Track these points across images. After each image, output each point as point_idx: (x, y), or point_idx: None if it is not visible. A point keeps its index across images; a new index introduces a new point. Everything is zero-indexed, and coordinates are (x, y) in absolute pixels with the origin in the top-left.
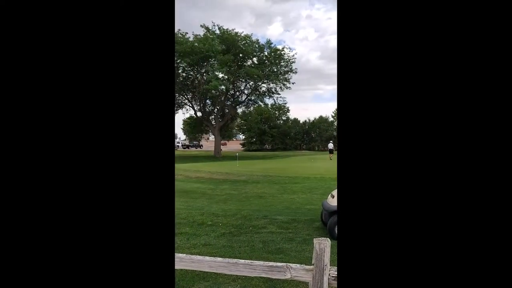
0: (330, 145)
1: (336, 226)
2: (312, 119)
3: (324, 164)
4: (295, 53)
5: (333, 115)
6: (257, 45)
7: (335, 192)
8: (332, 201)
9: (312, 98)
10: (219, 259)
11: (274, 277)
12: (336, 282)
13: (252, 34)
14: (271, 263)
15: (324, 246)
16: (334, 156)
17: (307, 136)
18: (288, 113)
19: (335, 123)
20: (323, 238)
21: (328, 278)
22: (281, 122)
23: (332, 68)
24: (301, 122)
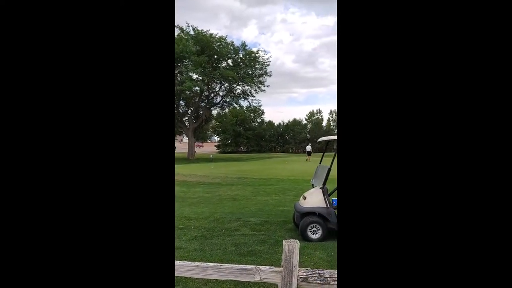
0: (308, 148)
1: (308, 228)
2: (286, 121)
3: (297, 166)
4: (270, 56)
5: (307, 118)
6: (232, 47)
7: (307, 194)
8: (304, 203)
9: (286, 101)
10: (188, 263)
11: (243, 280)
12: (304, 283)
13: (227, 36)
14: (240, 266)
15: (293, 247)
16: (312, 158)
17: (281, 138)
18: (263, 116)
19: (309, 126)
20: (292, 239)
21: (297, 280)
22: (256, 124)
23: (306, 71)
24: (275, 124)
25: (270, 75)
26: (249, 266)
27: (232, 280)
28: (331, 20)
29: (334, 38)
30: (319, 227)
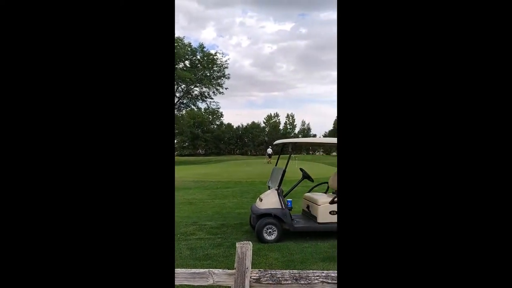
0: (269, 150)
1: (264, 229)
2: (245, 124)
3: (256, 169)
4: (228, 59)
5: (265, 121)
6: (189, 48)
7: (263, 196)
8: (260, 205)
9: (245, 104)
10: None
11: (196, 284)
12: (256, 284)
13: (184, 37)
14: (193, 270)
15: (245, 249)
16: (273, 160)
17: (240, 141)
18: (222, 118)
19: (267, 129)
20: (245, 242)
21: (250, 281)
22: (215, 126)
23: (264, 75)
24: (234, 127)
25: (228, 78)
26: (201, 270)
27: (185, 285)
28: (288, 26)
29: (291, 43)
30: (275, 228)
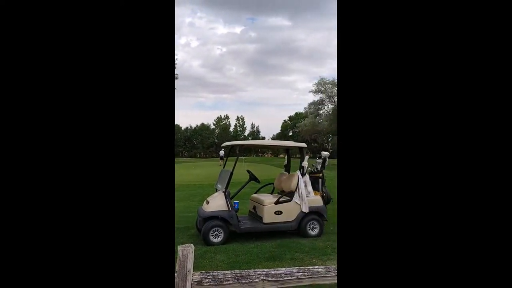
0: (221, 152)
1: (210, 232)
2: (194, 126)
3: (204, 171)
4: (176, 58)
5: (215, 123)
6: None
7: (210, 198)
8: (207, 207)
9: (194, 105)
10: None
11: None
12: (198, 286)
13: None
14: None
15: (187, 252)
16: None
17: (189, 143)
18: None
19: (217, 131)
20: (187, 244)
21: (191, 284)
22: None
23: (214, 77)
24: (183, 128)
25: (177, 78)
26: None
27: None
28: (238, 29)
29: (241, 46)
30: (221, 231)
